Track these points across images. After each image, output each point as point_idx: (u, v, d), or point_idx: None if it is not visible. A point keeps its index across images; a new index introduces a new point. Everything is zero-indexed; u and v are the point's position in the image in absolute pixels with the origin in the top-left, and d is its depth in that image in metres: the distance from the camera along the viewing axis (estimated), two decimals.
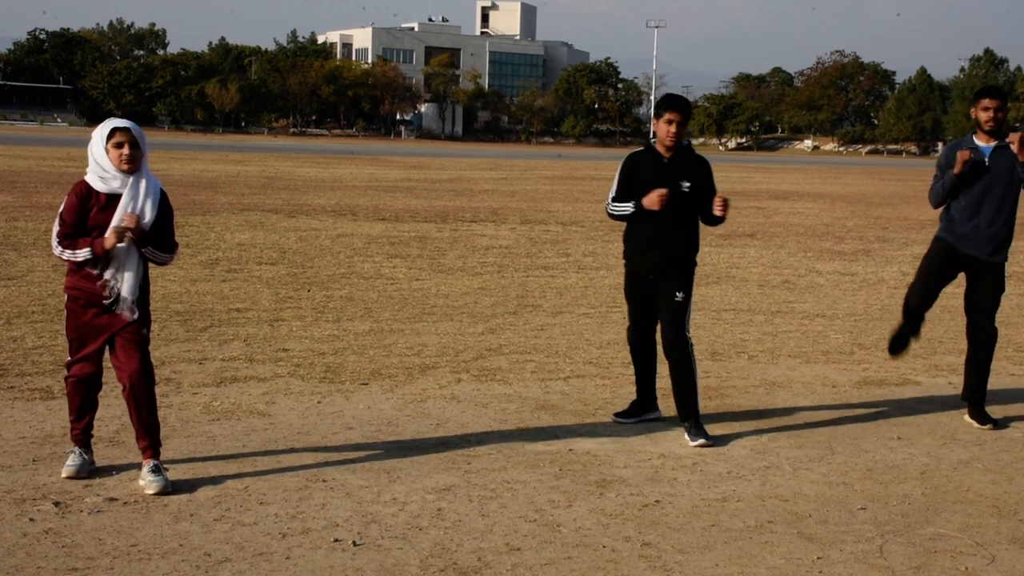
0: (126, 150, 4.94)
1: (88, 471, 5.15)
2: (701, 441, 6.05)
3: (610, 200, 6.39)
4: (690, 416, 6.21)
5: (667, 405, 6.54)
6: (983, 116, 6.73)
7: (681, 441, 6.13)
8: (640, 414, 6.56)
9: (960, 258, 6.84)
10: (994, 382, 7.19)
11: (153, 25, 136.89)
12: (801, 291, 12.42)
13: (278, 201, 22.91)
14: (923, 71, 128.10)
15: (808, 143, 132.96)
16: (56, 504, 4.77)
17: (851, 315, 10.81)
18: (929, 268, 7.00)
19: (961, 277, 6.97)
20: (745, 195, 32.01)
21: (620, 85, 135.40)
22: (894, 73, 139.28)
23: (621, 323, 7.98)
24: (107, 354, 5.15)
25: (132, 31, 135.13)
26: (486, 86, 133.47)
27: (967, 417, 6.82)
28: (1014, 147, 6.58)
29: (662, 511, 4.99)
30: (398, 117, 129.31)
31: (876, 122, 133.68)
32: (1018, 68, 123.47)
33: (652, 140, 6.38)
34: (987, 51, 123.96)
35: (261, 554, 4.32)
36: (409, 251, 14.93)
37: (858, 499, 5.26)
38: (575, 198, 28.08)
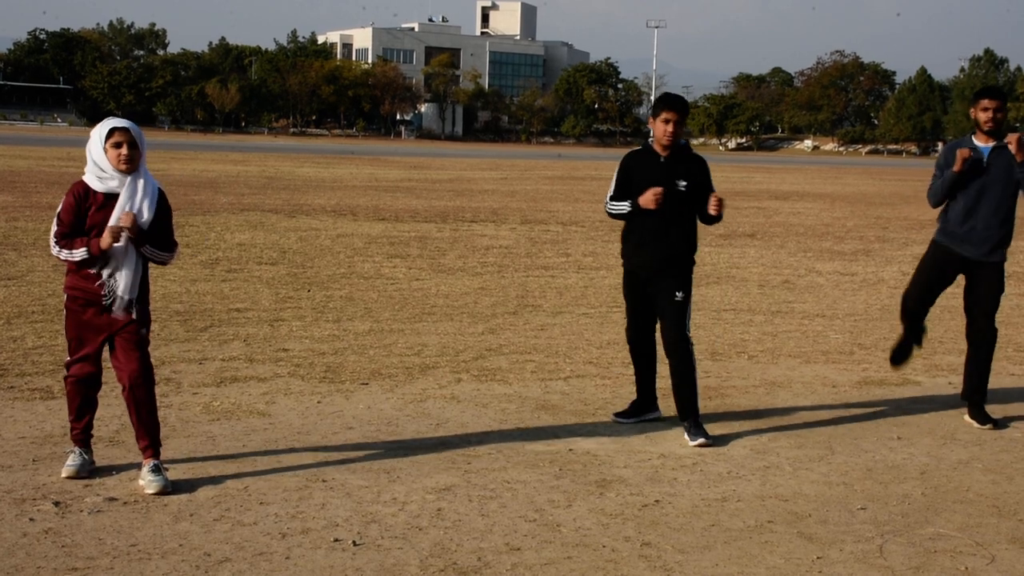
0: (124, 150, 4.94)
1: (88, 471, 5.15)
2: (701, 440, 6.05)
3: (608, 199, 6.41)
4: (690, 416, 6.21)
5: (667, 405, 6.54)
6: (982, 116, 6.73)
7: (681, 441, 6.13)
8: (640, 414, 6.56)
9: (957, 261, 6.84)
10: (994, 382, 7.19)
11: (153, 25, 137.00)
12: (801, 291, 12.43)
13: (278, 201, 22.91)
14: (923, 71, 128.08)
15: (808, 143, 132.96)
16: (56, 504, 4.77)
17: (851, 315, 10.81)
18: (926, 272, 7.00)
19: (961, 278, 6.97)
20: (745, 195, 32.01)
21: (620, 85, 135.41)
22: (894, 73, 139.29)
23: (621, 323, 7.98)
24: (107, 354, 5.15)
25: (132, 31, 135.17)
26: (486, 86, 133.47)
27: (967, 417, 6.82)
28: (1012, 147, 6.59)
29: (662, 511, 4.99)
30: (398, 117, 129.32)
31: (876, 122, 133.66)
32: (1018, 68, 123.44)
33: (649, 139, 6.38)
34: (987, 51, 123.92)
35: (261, 554, 4.32)
36: (409, 251, 14.93)
37: (858, 499, 5.26)
38: (575, 198, 28.08)
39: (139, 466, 5.11)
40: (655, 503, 5.10)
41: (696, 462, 5.77)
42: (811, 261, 15.56)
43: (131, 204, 4.98)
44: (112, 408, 6.13)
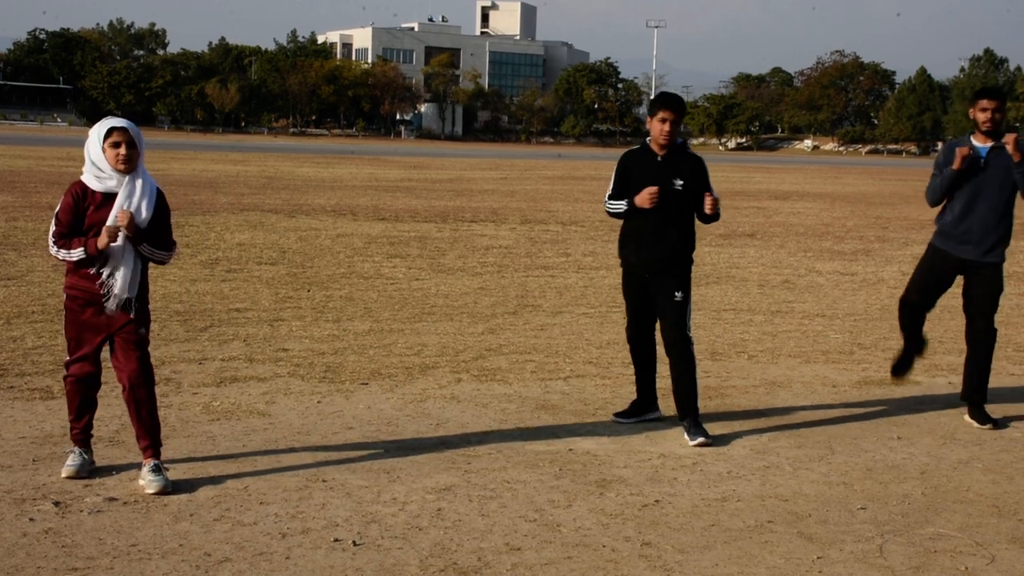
0: (123, 150, 4.94)
1: (88, 471, 5.15)
2: (700, 439, 6.05)
3: (607, 198, 6.41)
4: (689, 415, 6.21)
5: (667, 405, 6.54)
6: (981, 117, 6.73)
7: (681, 441, 6.13)
8: (640, 414, 6.56)
9: (955, 263, 6.83)
10: (994, 382, 7.19)
11: (153, 25, 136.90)
12: (801, 291, 12.43)
13: (278, 201, 22.91)
14: (923, 71, 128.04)
15: (808, 143, 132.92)
16: (56, 504, 4.77)
17: (851, 315, 10.81)
18: (924, 276, 7.00)
19: (960, 279, 6.96)
20: (745, 195, 32.01)
21: (620, 85, 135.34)
22: (894, 73, 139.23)
23: (621, 323, 7.99)
24: (107, 354, 5.15)
25: (132, 31, 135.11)
26: (486, 86, 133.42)
27: (967, 417, 6.82)
28: (1009, 148, 6.58)
29: (662, 511, 5.00)
30: (398, 117, 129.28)
31: (876, 122, 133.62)
32: (1018, 68, 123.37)
33: (647, 139, 6.38)
34: (987, 51, 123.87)
35: (261, 554, 4.32)
36: (409, 251, 14.93)
37: (858, 499, 5.26)
38: (575, 198, 28.08)
39: (139, 466, 5.11)
40: (655, 503, 5.10)
41: (696, 462, 5.77)
42: (811, 261, 15.57)
43: (129, 203, 4.98)
44: (112, 408, 6.13)
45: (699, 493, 5.26)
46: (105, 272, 4.99)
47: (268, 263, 13.04)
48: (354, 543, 4.47)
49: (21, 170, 30.74)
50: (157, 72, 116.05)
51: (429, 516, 4.81)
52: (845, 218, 24.42)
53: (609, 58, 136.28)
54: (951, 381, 7.86)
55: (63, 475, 5.10)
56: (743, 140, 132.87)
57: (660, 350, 6.45)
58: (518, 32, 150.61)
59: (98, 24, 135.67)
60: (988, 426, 6.69)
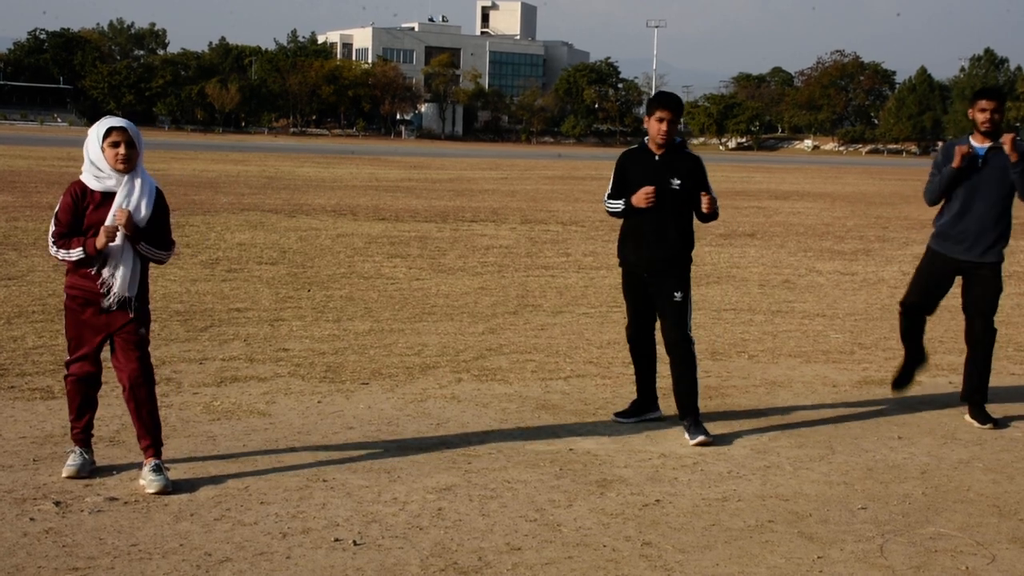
0: (122, 149, 4.94)
1: (88, 471, 5.15)
2: (701, 438, 6.05)
3: (606, 198, 6.42)
4: (690, 414, 6.21)
5: (667, 405, 6.54)
6: (980, 117, 6.73)
7: (681, 441, 6.13)
8: (640, 414, 6.56)
9: (953, 264, 6.83)
10: (994, 382, 7.18)
11: (153, 25, 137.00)
12: (801, 291, 12.43)
13: (278, 201, 22.91)
14: (923, 71, 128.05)
15: (808, 143, 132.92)
16: (56, 504, 4.77)
17: (851, 315, 10.81)
18: (923, 279, 6.99)
19: (959, 279, 6.96)
20: (745, 195, 32.02)
21: (620, 85, 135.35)
22: (894, 73, 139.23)
23: (621, 323, 7.98)
24: (107, 354, 5.15)
25: (132, 31, 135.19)
26: (486, 86, 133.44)
27: (967, 417, 6.82)
28: (1006, 148, 6.58)
29: (662, 511, 4.99)
30: (398, 117, 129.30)
31: (876, 122, 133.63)
32: (1018, 68, 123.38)
33: (645, 138, 6.38)
34: (987, 51, 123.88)
35: (261, 554, 4.32)
36: (409, 251, 14.93)
37: (858, 498, 5.26)
38: (575, 198, 28.08)
39: (140, 466, 5.11)
40: (655, 503, 5.10)
41: (696, 462, 5.77)
42: (811, 261, 15.57)
43: (128, 203, 4.98)
44: (112, 408, 6.13)
45: (700, 493, 5.26)
46: (105, 272, 4.99)
47: (268, 263, 13.04)
48: (355, 543, 4.47)
49: (21, 170, 30.75)
50: (157, 72, 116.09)
51: (430, 516, 4.81)
52: (845, 218, 24.42)
53: (609, 58, 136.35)
54: (951, 381, 7.85)
55: (64, 475, 5.10)
56: (743, 140, 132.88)
57: (660, 350, 6.45)
58: (518, 32, 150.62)
59: (98, 24, 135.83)
60: (989, 426, 6.69)
